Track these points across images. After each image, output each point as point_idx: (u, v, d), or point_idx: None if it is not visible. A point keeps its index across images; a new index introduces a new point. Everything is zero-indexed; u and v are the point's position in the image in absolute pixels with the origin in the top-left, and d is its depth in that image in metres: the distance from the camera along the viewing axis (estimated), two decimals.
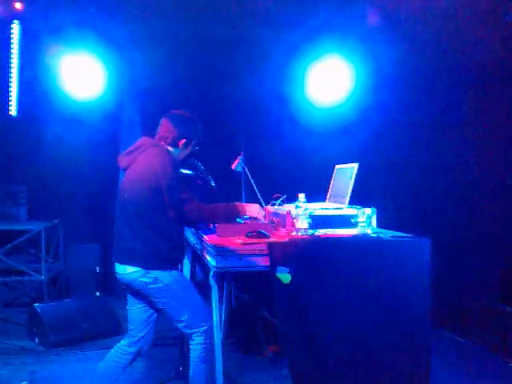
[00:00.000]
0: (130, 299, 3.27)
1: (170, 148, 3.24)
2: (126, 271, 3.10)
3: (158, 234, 3.06)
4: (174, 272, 3.12)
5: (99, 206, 6.31)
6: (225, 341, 4.59)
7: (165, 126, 3.26)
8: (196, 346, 3.13)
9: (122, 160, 3.28)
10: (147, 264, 3.05)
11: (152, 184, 3.04)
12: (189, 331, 3.14)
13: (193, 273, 4.83)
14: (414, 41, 5.38)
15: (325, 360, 3.01)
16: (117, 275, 3.20)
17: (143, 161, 3.15)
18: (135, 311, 3.26)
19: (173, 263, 3.15)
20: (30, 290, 5.90)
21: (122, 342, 3.29)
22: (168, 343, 4.59)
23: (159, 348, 4.48)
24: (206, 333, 3.12)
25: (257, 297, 4.70)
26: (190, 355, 3.16)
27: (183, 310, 3.12)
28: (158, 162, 3.07)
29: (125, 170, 3.27)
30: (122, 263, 3.13)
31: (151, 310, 3.25)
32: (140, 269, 3.06)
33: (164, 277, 3.07)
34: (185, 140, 3.25)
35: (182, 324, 3.13)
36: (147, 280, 3.06)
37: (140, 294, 3.17)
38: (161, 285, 3.07)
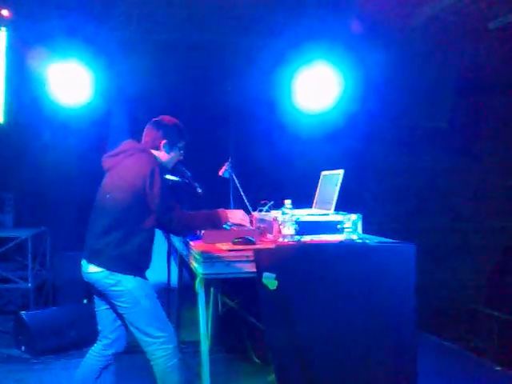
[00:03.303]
0: (97, 300, 3.25)
1: (154, 152, 3.23)
2: (91, 270, 3.08)
3: (130, 239, 3.04)
4: (138, 278, 3.08)
5: (87, 213, 6.27)
6: (211, 347, 4.60)
7: (148, 131, 3.29)
8: (156, 359, 3.07)
9: (107, 161, 3.26)
10: (113, 266, 3.03)
11: (136, 190, 3.03)
12: (147, 340, 3.07)
13: (180, 278, 4.83)
14: (401, 47, 5.43)
15: (311, 365, 3.01)
16: (82, 274, 3.17)
17: (130, 165, 3.13)
18: (101, 312, 3.24)
19: (139, 269, 3.11)
20: (16, 297, 5.85)
21: (95, 345, 3.26)
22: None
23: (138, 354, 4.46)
24: (165, 344, 3.06)
25: (243, 303, 4.70)
26: (154, 370, 3.09)
27: (143, 319, 3.07)
28: (147, 170, 3.04)
29: (107, 171, 3.25)
30: (88, 262, 3.11)
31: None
32: (104, 269, 3.04)
33: (128, 281, 3.04)
34: (165, 141, 3.24)
35: (140, 332, 3.08)
36: (110, 282, 3.04)
37: (103, 295, 3.15)
38: (123, 288, 3.03)
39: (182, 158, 3.38)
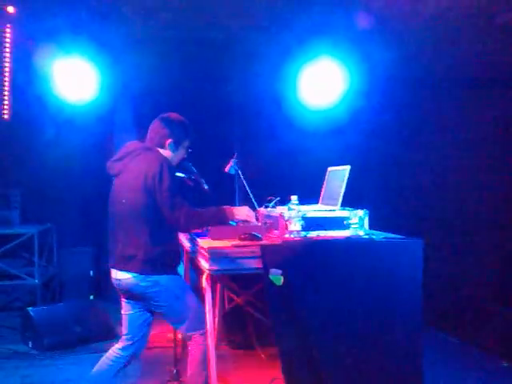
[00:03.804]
0: (126, 304, 3.25)
1: (160, 150, 3.22)
2: (125, 277, 3.09)
3: (158, 240, 3.05)
4: (172, 275, 3.13)
5: (92, 209, 6.29)
6: (218, 342, 4.61)
7: (154, 128, 3.27)
8: (196, 347, 3.15)
9: (112, 167, 3.23)
10: (147, 271, 3.05)
11: (149, 189, 3.02)
12: (189, 333, 3.15)
13: (186, 274, 4.84)
14: (406, 43, 5.41)
15: (318, 361, 3.02)
16: (114, 281, 3.18)
17: (139, 166, 3.11)
18: (131, 316, 3.24)
19: (169, 267, 3.14)
20: (24, 294, 5.89)
21: (116, 345, 3.27)
22: (162, 346, 4.59)
23: (153, 351, 4.49)
24: (204, 335, 3.15)
25: (250, 299, 4.70)
26: (189, 357, 3.17)
27: (184, 313, 3.14)
28: (156, 167, 3.03)
29: (115, 176, 3.22)
30: (119, 270, 3.12)
31: (147, 314, 3.24)
32: (138, 274, 3.05)
33: (163, 280, 3.08)
34: (171, 140, 3.22)
35: (183, 326, 3.16)
36: (147, 284, 3.06)
37: (140, 299, 3.15)
38: (160, 288, 3.07)
39: (186, 156, 3.36)
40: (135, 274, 3.06)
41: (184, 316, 3.14)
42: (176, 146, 3.25)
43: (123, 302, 3.26)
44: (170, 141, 3.23)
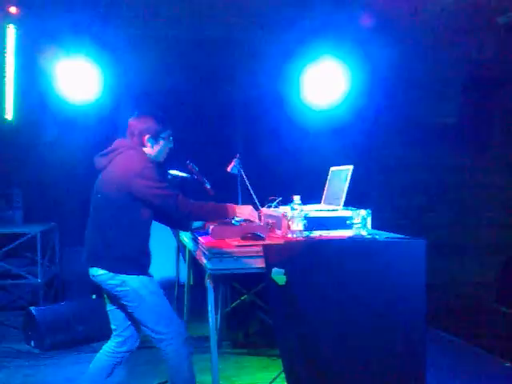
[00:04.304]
0: (107, 299, 3.27)
1: (143, 149, 3.20)
2: (96, 273, 3.11)
3: (129, 238, 3.05)
4: (142, 277, 3.09)
5: None
6: (220, 342, 4.61)
7: (129, 130, 3.24)
8: (167, 354, 3.10)
9: (99, 161, 3.23)
10: (114, 268, 3.05)
11: (128, 187, 3.02)
12: (156, 337, 3.11)
13: (189, 274, 4.85)
14: (408, 43, 5.41)
15: (320, 361, 3.02)
16: (90, 276, 3.19)
17: (119, 163, 3.12)
18: (112, 312, 3.27)
19: (141, 268, 3.12)
20: (26, 293, 5.89)
21: (109, 343, 3.28)
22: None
23: (152, 350, 4.49)
24: (175, 339, 3.09)
25: (252, 298, 4.71)
26: (166, 364, 3.14)
27: (151, 316, 3.10)
28: (137, 166, 3.04)
29: (101, 171, 3.22)
30: (91, 265, 3.13)
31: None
32: (106, 272, 3.06)
33: (131, 281, 3.06)
34: (148, 135, 3.19)
35: (149, 330, 3.11)
36: (115, 282, 3.06)
37: (111, 296, 3.18)
38: (128, 288, 3.06)
39: (171, 145, 3.29)
40: (104, 272, 3.06)
41: (151, 320, 3.09)
42: (155, 139, 3.21)
43: (105, 297, 3.28)
44: (147, 136, 3.19)
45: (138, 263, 3.10)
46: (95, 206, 3.17)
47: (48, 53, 5.45)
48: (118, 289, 3.07)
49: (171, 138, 3.29)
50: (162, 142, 3.24)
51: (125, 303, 3.11)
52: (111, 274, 3.05)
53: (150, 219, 3.14)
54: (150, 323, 3.10)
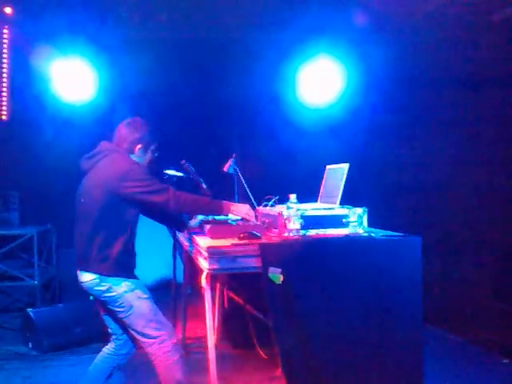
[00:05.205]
0: (99, 304, 3.27)
1: (131, 156, 3.21)
2: (84, 279, 3.10)
3: (114, 241, 3.04)
4: (128, 281, 3.08)
5: None
6: (218, 342, 4.61)
7: (122, 134, 3.23)
8: (156, 357, 3.08)
9: (84, 163, 3.23)
10: (102, 271, 3.03)
11: (113, 190, 3.02)
12: (146, 341, 3.09)
13: (185, 273, 4.84)
14: (404, 42, 5.41)
15: (318, 360, 3.02)
16: (79, 282, 3.18)
17: (104, 166, 3.12)
18: (106, 316, 3.27)
19: (127, 271, 3.11)
20: (23, 295, 5.87)
21: (109, 345, 3.29)
22: None
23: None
24: (164, 343, 3.08)
25: (249, 298, 4.70)
26: (156, 368, 3.11)
27: (139, 320, 3.08)
28: (123, 169, 3.04)
29: (85, 173, 3.22)
30: (80, 269, 3.12)
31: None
32: (96, 277, 3.04)
33: (118, 286, 3.05)
34: (141, 145, 3.21)
35: (139, 334, 3.10)
36: (102, 288, 3.05)
37: (99, 302, 3.18)
38: (115, 294, 3.05)
39: (155, 155, 3.32)
40: (93, 276, 3.05)
41: (139, 324, 3.08)
42: (145, 150, 3.25)
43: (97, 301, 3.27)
44: (139, 146, 3.22)
45: (124, 266, 3.08)
46: (80, 210, 3.16)
47: (43, 53, 5.44)
48: (105, 294, 3.07)
49: (155, 152, 3.31)
50: (149, 153, 3.28)
51: (113, 308, 3.11)
52: (98, 279, 3.04)
53: (136, 219, 3.14)
54: (139, 327, 3.08)
